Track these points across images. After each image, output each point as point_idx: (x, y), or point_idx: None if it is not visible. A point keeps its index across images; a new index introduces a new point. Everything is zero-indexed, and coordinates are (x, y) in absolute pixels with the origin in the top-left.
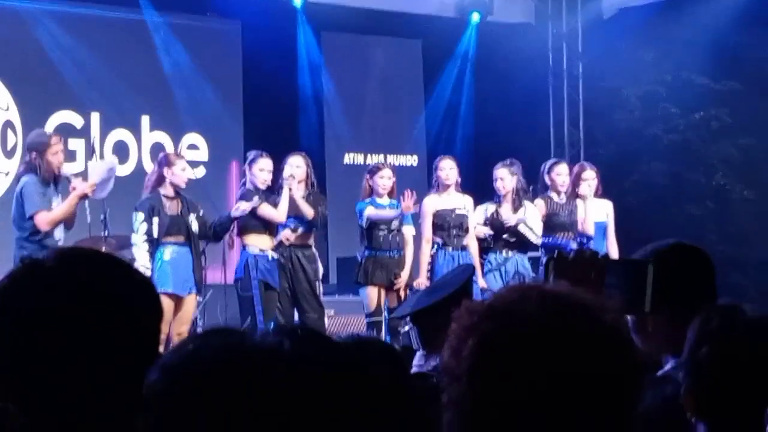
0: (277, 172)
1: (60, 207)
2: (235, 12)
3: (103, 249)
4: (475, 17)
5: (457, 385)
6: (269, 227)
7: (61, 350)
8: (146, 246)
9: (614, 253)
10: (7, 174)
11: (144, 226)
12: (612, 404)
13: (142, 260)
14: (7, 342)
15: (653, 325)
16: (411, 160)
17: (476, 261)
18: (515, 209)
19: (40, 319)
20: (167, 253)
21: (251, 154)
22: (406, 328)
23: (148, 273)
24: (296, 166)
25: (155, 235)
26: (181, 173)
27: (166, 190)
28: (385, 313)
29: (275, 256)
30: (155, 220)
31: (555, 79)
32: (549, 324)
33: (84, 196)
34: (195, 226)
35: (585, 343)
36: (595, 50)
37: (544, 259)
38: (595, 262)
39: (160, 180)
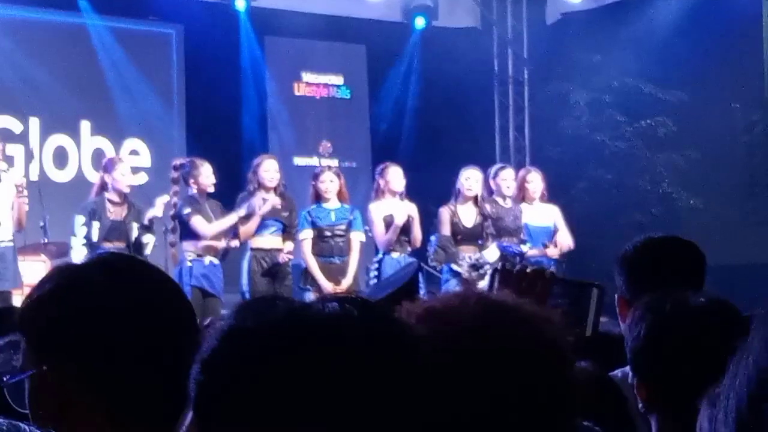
0: (250, 173)
1: None
2: (177, 16)
3: (42, 256)
4: (420, 22)
5: None
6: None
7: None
8: (84, 250)
9: (570, 243)
10: None
11: (83, 230)
12: (542, 420)
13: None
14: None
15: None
16: (355, 165)
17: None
18: (475, 214)
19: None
20: None
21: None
22: None
23: None
24: (275, 170)
25: (94, 239)
26: (120, 178)
27: (110, 194)
28: None
29: (214, 261)
30: (95, 224)
31: (500, 85)
32: (484, 331)
33: None
34: (134, 234)
35: (520, 353)
36: (541, 56)
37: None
38: (541, 277)
39: (104, 184)
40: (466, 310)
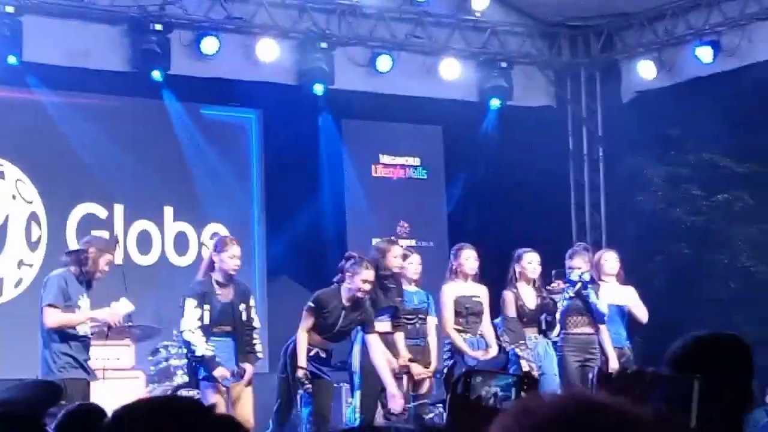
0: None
1: (73, 316)
2: (256, 101)
3: (126, 340)
4: (495, 102)
5: None
6: None
7: None
8: (200, 333)
9: (643, 315)
10: (31, 266)
11: (197, 312)
12: None
13: (200, 346)
14: None
15: None
16: (432, 245)
17: (494, 344)
18: (535, 296)
19: None
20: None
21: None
22: (431, 414)
23: (210, 353)
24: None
25: (206, 322)
26: (229, 260)
27: (216, 275)
28: (411, 402)
29: (321, 354)
30: (206, 307)
31: (575, 162)
32: (573, 426)
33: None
34: (244, 316)
35: None
36: (615, 133)
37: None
38: (640, 378)
39: (211, 265)
40: (563, 409)
